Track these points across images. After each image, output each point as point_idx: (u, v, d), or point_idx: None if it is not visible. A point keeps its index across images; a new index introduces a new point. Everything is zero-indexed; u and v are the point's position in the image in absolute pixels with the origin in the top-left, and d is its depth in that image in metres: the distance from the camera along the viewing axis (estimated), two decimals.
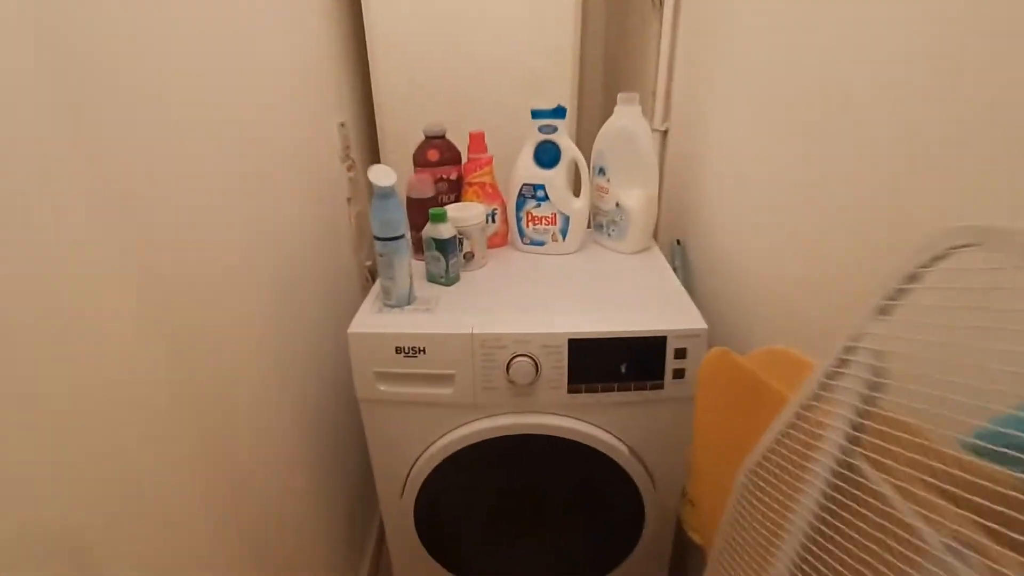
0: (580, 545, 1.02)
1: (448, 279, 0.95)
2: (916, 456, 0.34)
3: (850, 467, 0.40)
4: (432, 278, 0.97)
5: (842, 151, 0.62)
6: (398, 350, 0.82)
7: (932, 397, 0.33)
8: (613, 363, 0.82)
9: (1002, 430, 0.30)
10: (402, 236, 0.84)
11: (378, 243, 0.83)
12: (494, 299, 0.91)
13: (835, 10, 0.62)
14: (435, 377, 0.83)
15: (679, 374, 0.82)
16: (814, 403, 0.43)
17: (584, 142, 1.08)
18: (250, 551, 0.74)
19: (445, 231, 0.91)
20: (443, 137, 1.06)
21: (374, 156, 1.36)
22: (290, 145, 0.94)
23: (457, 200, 1.08)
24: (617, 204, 1.04)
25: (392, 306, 0.88)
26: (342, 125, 1.21)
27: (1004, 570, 0.28)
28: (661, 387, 0.83)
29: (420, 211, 0.97)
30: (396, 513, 0.97)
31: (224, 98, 0.72)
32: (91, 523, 0.47)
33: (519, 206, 1.06)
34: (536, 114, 1.00)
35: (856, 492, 0.39)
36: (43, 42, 0.43)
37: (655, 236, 1.16)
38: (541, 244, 1.08)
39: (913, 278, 0.35)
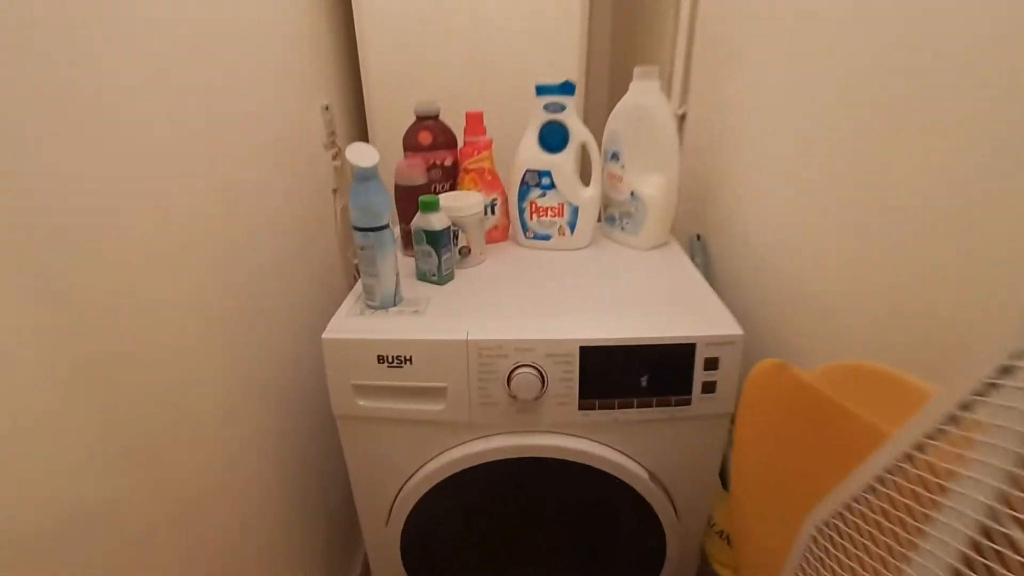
0: None
1: (441, 277, 0.83)
2: None
3: (996, 535, 0.28)
4: (422, 276, 0.85)
5: (908, 145, 0.51)
6: (380, 359, 0.70)
7: None
8: (632, 375, 0.70)
9: None
10: (386, 226, 0.72)
11: (358, 234, 0.71)
12: (493, 300, 0.79)
13: None
14: (424, 391, 0.72)
15: (709, 388, 0.70)
16: (934, 442, 0.31)
17: (589, 126, 0.96)
18: None
19: (437, 222, 0.79)
20: (436, 118, 0.94)
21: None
22: (265, 132, 0.83)
23: (452, 189, 0.96)
24: (632, 193, 0.93)
25: (375, 307, 0.76)
26: (326, 108, 1.09)
27: None
28: (688, 403, 0.71)
29: (410, 200, 0.85)
30: (381, 544, 0.85)
31: (182, 77, 0.61)
32: None
33: (522, 195, 0.95)
34: (541, 90, 0.88)
35: (1006, 574, 0.27)
36: None
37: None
38: (546, 238, 0.97)
39: None
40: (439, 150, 0.94)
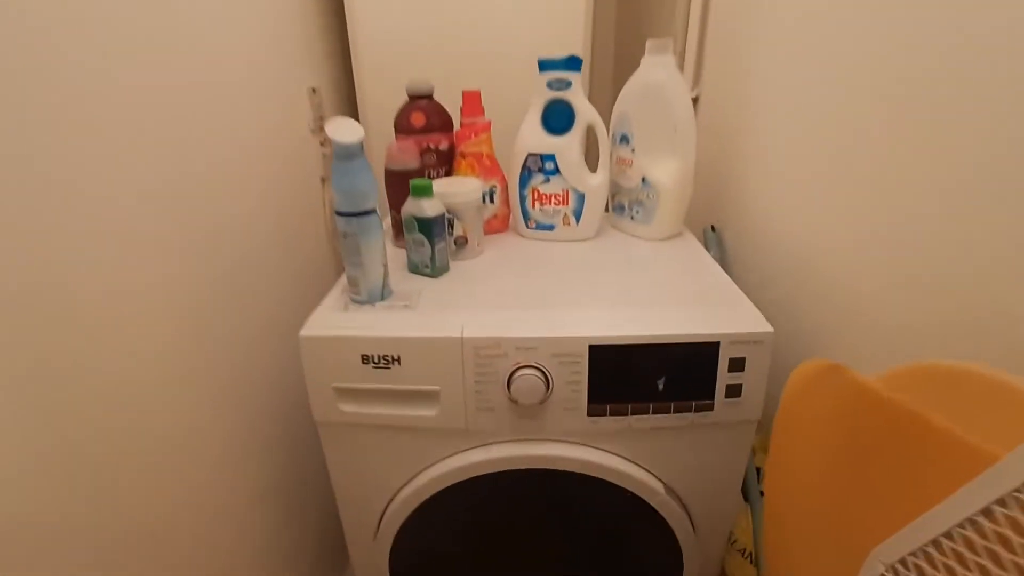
0: None
1: (434, 269, 0.75)
2: None
3: None
4: (414, 268, 0.77)
5: (967, 114, 0.43)
6: (365, 359, 0.62)
7: None
8: (648, 378, 0.62)
9: None
10: (372, 211, 0.64)
11: (340, 220, 0.64)
12: (492, 294, 0.71)
13: None
14: (414, 395, 0.64)
15: (734, 391, 0.63)
16: None
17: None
18: None
19: (430, 208, 0.72)
20: (430, 97, 0.87)
21: None
22: (246, 115, 0.77)
23: (448, 176, 0.89)
24: (644, 179, 0.85)
25: (361, 302, 0.69)
26: (313, 91, 1.02)
27: None
28: (711, 408, 0.63)
29: (401, 187, 0.78)
30: (368, 561, 0.77)
31: (151, 54, 0.56)
32: None
33: (523, 182, 0.87)
34: (544, 65, 0.80)
35: None
36: None
37: None
38: (550, 228, 0.89)
39: None
40: (433, 132, 0.87)
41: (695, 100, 1.02)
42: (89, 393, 0.48)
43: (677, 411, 0.64)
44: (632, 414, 0.64)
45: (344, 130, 0.61)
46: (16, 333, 0.40)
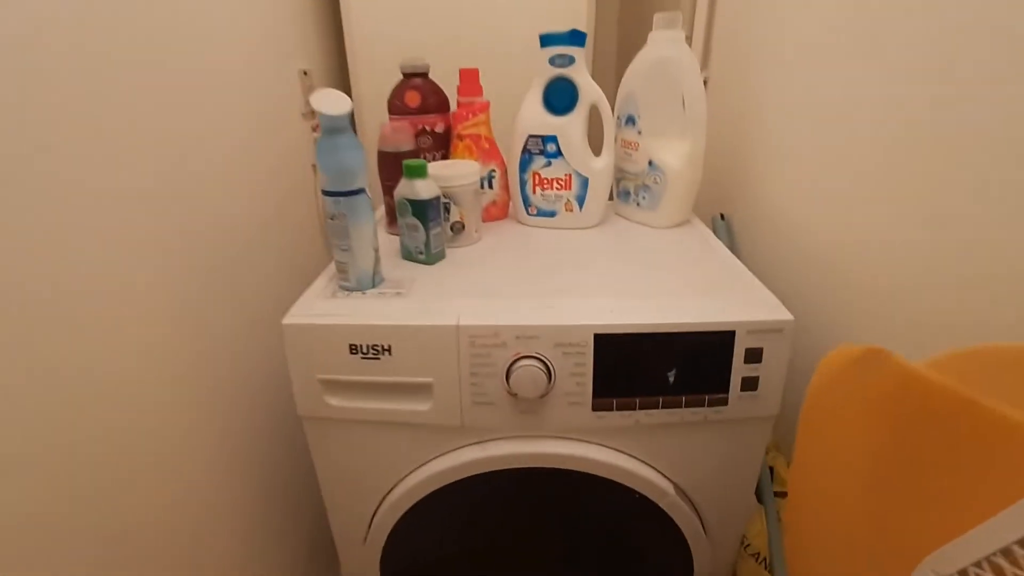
0: None
1: (429, 256, 0.71)
2: None
3: None
4: (408, 254, 0.73)
5: (977, 116, 0.39)
6: (353, 349, 0.58)
7: None
8: (657, 369, 0.58)
9: None
10: (361, 191, 0.60)
11: (327, 200, 0.59)
12: (490, 282, 0.67)
13: None
14: (406, 387, 0.60)
15: (750, 385, 0.58)
16: None
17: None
18: None
19: (424, 190, 0.67)
20: (425, 76, 0.82)
21: None
22: (233, 99, 0.74)
23: (444, 159, 0.84)
24: (651, 163, 0.81)
25: (350, 289, 0.64)
26: (304, 74, 0.98)
27: None
28: (725, 403, 0.59)
29: (395, 170, 0.73)
30: (358, 566, 0.73)
31: (135, 33, 0.52)
32: None
33: (523, 165, 0.82)
34: (547, 40, 0.76)
35: None
36: None
37: None
38: (551, 215, 0.84)
39: None
40: (429, 113, 0.82)
41: (703, 84, 0.97)
42: (88, 392, 0.45)
43: (688, 405, 0.59)
44: (640, 409, 0.59)
45: (330, 102, 0.56)
46: (11, 332, 0.37)
